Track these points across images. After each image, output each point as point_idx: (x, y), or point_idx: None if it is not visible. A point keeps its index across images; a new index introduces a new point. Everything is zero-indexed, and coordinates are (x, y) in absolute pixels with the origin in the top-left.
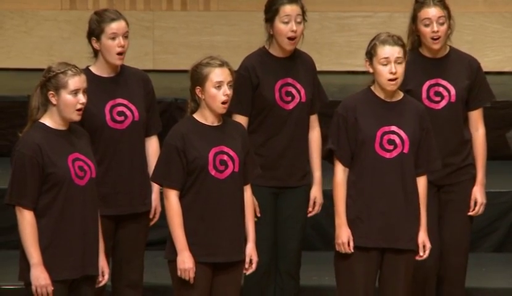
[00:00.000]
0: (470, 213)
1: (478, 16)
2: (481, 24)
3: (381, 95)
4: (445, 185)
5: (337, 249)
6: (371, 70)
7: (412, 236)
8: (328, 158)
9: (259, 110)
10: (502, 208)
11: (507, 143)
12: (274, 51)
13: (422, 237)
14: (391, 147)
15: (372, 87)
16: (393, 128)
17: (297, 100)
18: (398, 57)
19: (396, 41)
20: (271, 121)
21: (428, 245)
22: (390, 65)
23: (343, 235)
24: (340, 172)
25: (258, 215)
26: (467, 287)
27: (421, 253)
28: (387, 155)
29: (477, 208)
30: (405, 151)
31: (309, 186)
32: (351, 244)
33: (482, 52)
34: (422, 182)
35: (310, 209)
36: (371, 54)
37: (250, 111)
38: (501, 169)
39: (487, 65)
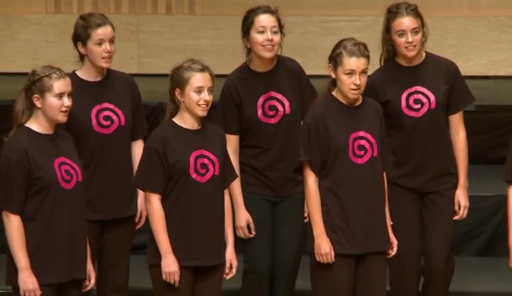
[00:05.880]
0: (455, 218)
1: (463, 20)
2: (466, 28)
3: (344, 100)
4: (427, 193)
5: (318, 259)
6: (333, 76)
7: (387, 236)
8: (297, 170)
9: (246, 127)
10: (486, 212)
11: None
12: (255, 66)
13: (391, 234)
14: (362, 153)
15: (333, 93)
16: (362, 133)
17: (280, 113)
18: (363, 69)
19: (363, 51)
20: (260, 137)
21: (395, 242)
22: (355, 76)
23: (325, 245)
24: (313, 183)
25: (253, 232)
26: (452, 291)
27: (390, 251)
28: (359, 161)
29: (461, 212)
30: (375, 154)
31: (303, 194)
32: (333, 253)
33: (467, 56)
34: (384, 180)
35: (306, 215)
36: (335, 62)
37: (238, 128)
38: (485, 173)
39: (471, 69)
